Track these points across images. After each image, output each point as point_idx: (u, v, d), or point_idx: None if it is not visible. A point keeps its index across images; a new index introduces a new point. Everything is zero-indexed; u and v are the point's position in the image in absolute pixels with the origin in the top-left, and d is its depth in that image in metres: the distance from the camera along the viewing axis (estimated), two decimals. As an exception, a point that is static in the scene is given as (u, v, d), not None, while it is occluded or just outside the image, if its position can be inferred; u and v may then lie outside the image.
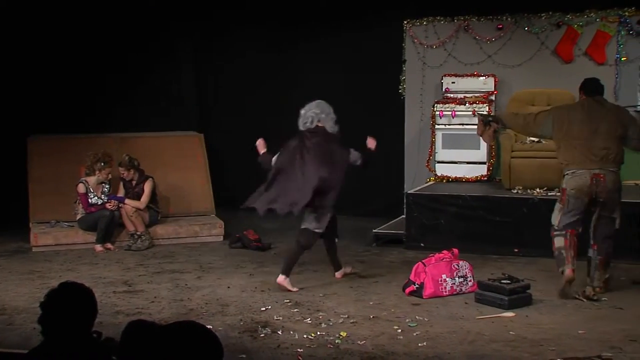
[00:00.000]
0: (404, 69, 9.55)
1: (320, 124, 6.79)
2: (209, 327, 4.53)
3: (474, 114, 8.49)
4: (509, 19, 9.06)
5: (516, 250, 7.56)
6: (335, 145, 6.66)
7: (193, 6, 10.63)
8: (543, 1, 8.88)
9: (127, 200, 8.30)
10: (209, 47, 10.84)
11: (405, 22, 9.49)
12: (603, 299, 5.97)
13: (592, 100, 6.34)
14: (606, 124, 6.17)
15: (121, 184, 8.48)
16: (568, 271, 5.96)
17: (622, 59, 8.58)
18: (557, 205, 6.32)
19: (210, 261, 7.60)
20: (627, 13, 8.53)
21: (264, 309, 5.85)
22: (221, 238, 8.66)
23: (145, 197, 8.36)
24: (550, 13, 8.89)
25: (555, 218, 6.26)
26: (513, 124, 6.85)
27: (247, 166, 10.65)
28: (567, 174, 6.26)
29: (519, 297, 5.84)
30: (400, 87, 9.54)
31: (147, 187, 8.39)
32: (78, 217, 8.35)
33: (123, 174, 8.39)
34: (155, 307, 5.95)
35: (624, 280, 6.58)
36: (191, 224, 8.74)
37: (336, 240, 6.91)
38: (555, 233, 6.23)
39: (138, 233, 8.23)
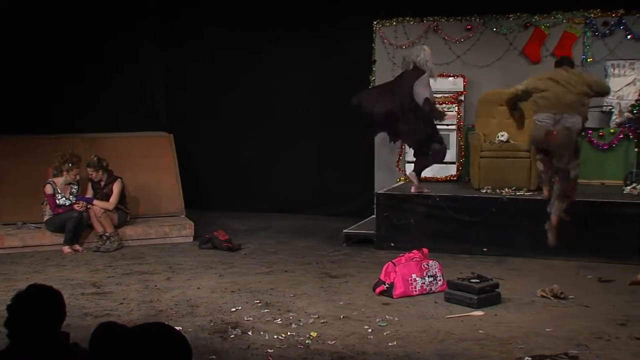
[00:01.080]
0: (374, 69, 9.60)
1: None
2: (178, 328, 4.51)
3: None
4: (477, 19, 9.15)
5: (485, 249, 7.64)
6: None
7: (161, 6, 10.58)
8: (511, 2, 8.98)
9: (95, 201, 8.23)
10: (178, 47, 10.78)
11: (375, 22, 9.54)
12: (570, 297, 6.05)
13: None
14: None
15: (89, 184, 8.40)
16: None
17: (588, 59, 8.71)
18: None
19: (180, 262, 7.57)
20: (592, 14, 8.66)
21: (234, 309, 5.84)
22: (191, 239, 8.63)
23: (114, 198, 8.30)
24: (518, 14, 9.00)
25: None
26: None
27: (217, 166, 10.69)
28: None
29: (487, 296, 5.89)
30: (370, 87, 9.57)
31: (116, 187, 8.33)
32: (45, 218, 8.26)
33: (91, 174, 8.32)
34: (124, 309, 5.92)
35: (590, 279, 6.68)
36: (161, 225, 8.69)
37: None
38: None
39: (107, 234, 8.17)
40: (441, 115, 8.03)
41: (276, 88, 10.38)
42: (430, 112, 7.93)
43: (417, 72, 7.93)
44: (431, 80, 8.01)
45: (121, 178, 8.43)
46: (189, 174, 10.01)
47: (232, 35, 10.43)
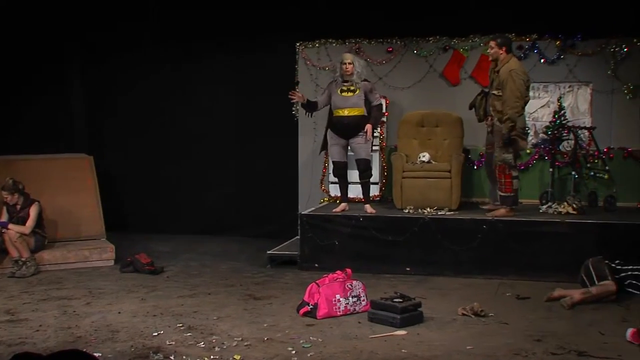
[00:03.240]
0: (297, 90, 9.63)
1: None
2: (97, 354, 4.42)
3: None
4: (398, 42, 9.32)
5: (408, 269, 7.74)
6: None
7: (82, 27, 10.41)
8: (430, 26, 9.19)
9: (10, 225, 7.99)
10: (102, 69, 10.61)
11: (297, 44, 9.61)
12: (490, 314, 6.18)
13: None
14: None
15: (4, 208, 8.15)
16: None
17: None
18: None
19: (101, 286, 7.41)
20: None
21: (156, 334, 5.74)
22: (112, 262, 8.47)
23: (30, 222, 8.07)
24: (438, 37, 9.21)
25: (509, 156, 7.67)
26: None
27: (142, 188, 10.54)
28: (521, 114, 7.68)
29: (410, 316, 5.97)
30: (293, 108, 9.63)
31: (33, 211, 8.11)
32: (-42, 243, 7.97)
33: (6, 198, 8.08)
34: (40, 336, 5.74)
35: (509, 296, 6.85)
36: (80, 249, 8.50)
37: None
38: (514, 174, 7.71)
39: (22, 259, 7.93)
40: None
41: (200, 108, 10.34)
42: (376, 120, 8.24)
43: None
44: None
45: (38, 201, 8.21)
46: (112, 196, 9.84)
47: (157, 56, 10.34)
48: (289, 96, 8.21)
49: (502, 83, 7.60)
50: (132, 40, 10.35)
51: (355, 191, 8.94)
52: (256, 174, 10.10)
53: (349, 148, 8.21)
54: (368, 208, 8.14)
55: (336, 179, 8.51)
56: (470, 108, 8.19)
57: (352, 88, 8.08)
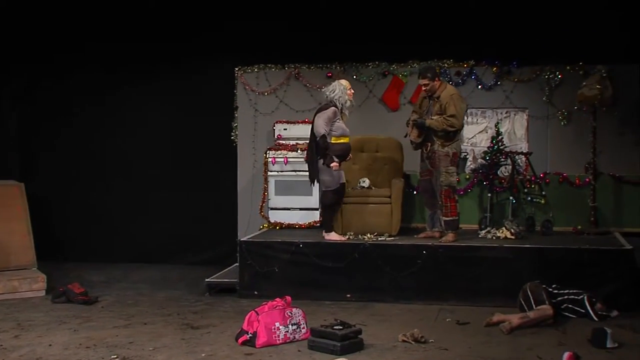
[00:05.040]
0: (236, 115, 9.64)
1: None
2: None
3: (306, 160, 8.67)
4: (338, 67, 9.41)
5: (348, 295, 7.74)
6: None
7: (15, 57, 10.24)
8: (370, 51, 9.31)
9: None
10: (35, 97, 10.42)
11: (236, 69, 9.61)
12: (430, 340, 6.22)
13: None
14: None
15: None
16: None
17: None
18: (452, 169, 7.83)
19: (30, 318, 7.20)
20: (446, 64, 9.11)
21: (88, 367, 5.61)
22: (43, 293, 8.24)
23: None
24: (377, 63, 9.34)
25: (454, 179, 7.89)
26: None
27: (74, 215, 10.33)
28: (457, 139, 7.91)
29: (350, 343, 5.95)
30: (232, 133, 9.61)
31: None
32: None
33: None
34: (-34, 372, 5.55)
35: (449, 322, 6.90)
36: (9, 279, 8.24)
37: None
38: (456, 197, 7.87)
39: (-52, 290, 7.67)
40: (329, 162, 7.89)
41: (136, 134, 10.21)
42: (322, 150, 7.95)
43: (325, 106, 8.03)
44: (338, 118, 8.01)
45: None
46: (45, 224, 9.62)
47: (89, 80, 10.21)
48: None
49: (445, 107, 7.76)
50: (67, 68, 10.20)
51: (295, 217, 8.97)
52: (194, 199, 10.00)
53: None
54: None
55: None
56: (407, 136, 8.24)
57: (346, 113, 8.17)
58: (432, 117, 7.89)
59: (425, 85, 7.92)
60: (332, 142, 7.97)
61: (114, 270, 9.63)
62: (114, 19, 9.93)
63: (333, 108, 7.98)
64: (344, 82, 8.17)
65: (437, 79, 7.94)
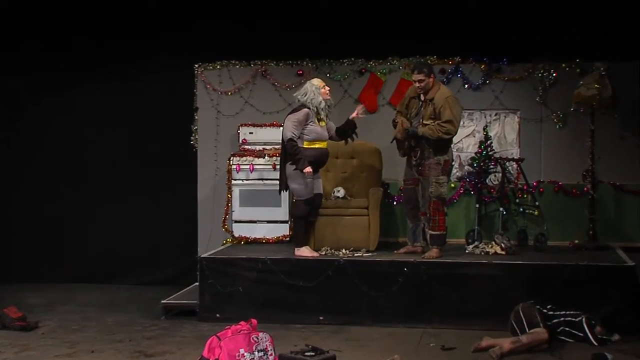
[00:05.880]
0: (196, 117, 9.60)
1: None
2: None
3: (274, 168, 8.66)
4: (309, 64, 9.42)
5: (321, 318, 7.72)
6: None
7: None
8: (344, 47, 9.33)
9: None
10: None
11: (196, 65, 9.58)
12: (412, 367, 6.23)
13: None
14: None
15: None
16: None
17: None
18: (444, 179, 7.86)
19: (-39, 346, 7.10)
20: (429, 61, 9.13)
21: (27, 401, 5.53)
22: (-25, 318, 8.13)
23: None
24: (353, 59, 9.36)
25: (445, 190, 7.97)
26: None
27: (12, 231, 10.21)
28: (450, 146, 7.95)
29: (323, 371, 5.94)
30: (192, 137, 9.58)
31: None
32: None
33: None
34: None
35: (433, 347, 6.90)
36: (-63, 303, 8.12)
37: None
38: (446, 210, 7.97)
39: None
40: (302, 166, 7.86)
41: (85, 141, 10.15)
42: (290, 155, 7.97)
43: (299, 107, 8.04)
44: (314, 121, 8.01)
45: None
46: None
47: (36, 81, 10.13)
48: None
49: (439, 111, 7.72)
50: (14, 64, 10.12)
51: (262, 231, 8.94)
52: (149, 211, 9.96)
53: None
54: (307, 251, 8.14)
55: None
56: (393, 141, 8.23)
57: (322, 116, 8.11)
58: (425, 123, 7.84)
59: (420, 81, 7.83)
60: (305, 146, 7.97)
61: (56, 291, 9.56)
62: (65, 16, 9.88)
63: (306, 110, 7.98)
64: (315, 81, 8.15)
65: (432, 75, 7.91)
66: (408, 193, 8.23)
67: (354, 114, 8.23)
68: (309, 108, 7.99)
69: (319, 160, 8.08)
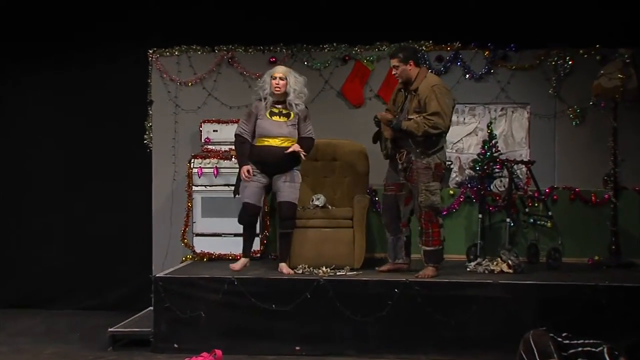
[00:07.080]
0: (151, 112, 9.56)
1: None
2: None
3: None
4: (284, 50, 9.44)
5: (297, 348, 7.67)
6: None
7: None
8: (325, 31, 9.36)
9: None
10: None
11: (150, 51, 9.55)
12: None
13: None
14: None
15: None
16: None
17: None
18: (435, 185, 7.73)
19: None
20: (424, 47, 9.14)
21: None
22: None
23: None
24: (335, 45, 9.36)
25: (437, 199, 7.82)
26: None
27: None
28: (441, 146, 7.80)
29: (300, 410, 5.90)
30: (146, 136, 9.53)
31: None
32: None
33: None
34: None
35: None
36: None
37: None
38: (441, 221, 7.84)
39: None
40: (240, 168, 8.00)
41: (15, 145, 10.07)
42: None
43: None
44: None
45: None
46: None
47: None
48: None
49: (424, 102, 7.64)
50: None
51: (228, 246, 8.88)
52: (94, 223, 9.94)
53: (272, 188, 8.15)
54: (284, 268, 8.08)
55: (240, 227, 8.33)
56: (375, 141, 8.19)
57: (284, 112, 8.06)
58: (409, 117, 7.77)
59: (395, 68, 7.78)
60: (256, 144, 8.05)
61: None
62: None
63: (257, 102, 8.10)
64: (273, 69, 8.17)
65: (411, 62, 7.75)
66: (388, 200, 8.14)
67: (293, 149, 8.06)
68: (260, 100, 8.05)
69: (263, 160, 8.04)
